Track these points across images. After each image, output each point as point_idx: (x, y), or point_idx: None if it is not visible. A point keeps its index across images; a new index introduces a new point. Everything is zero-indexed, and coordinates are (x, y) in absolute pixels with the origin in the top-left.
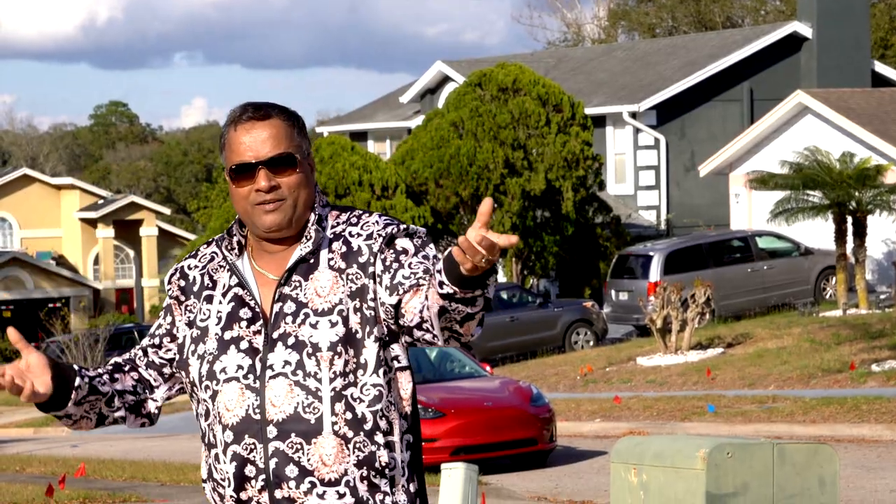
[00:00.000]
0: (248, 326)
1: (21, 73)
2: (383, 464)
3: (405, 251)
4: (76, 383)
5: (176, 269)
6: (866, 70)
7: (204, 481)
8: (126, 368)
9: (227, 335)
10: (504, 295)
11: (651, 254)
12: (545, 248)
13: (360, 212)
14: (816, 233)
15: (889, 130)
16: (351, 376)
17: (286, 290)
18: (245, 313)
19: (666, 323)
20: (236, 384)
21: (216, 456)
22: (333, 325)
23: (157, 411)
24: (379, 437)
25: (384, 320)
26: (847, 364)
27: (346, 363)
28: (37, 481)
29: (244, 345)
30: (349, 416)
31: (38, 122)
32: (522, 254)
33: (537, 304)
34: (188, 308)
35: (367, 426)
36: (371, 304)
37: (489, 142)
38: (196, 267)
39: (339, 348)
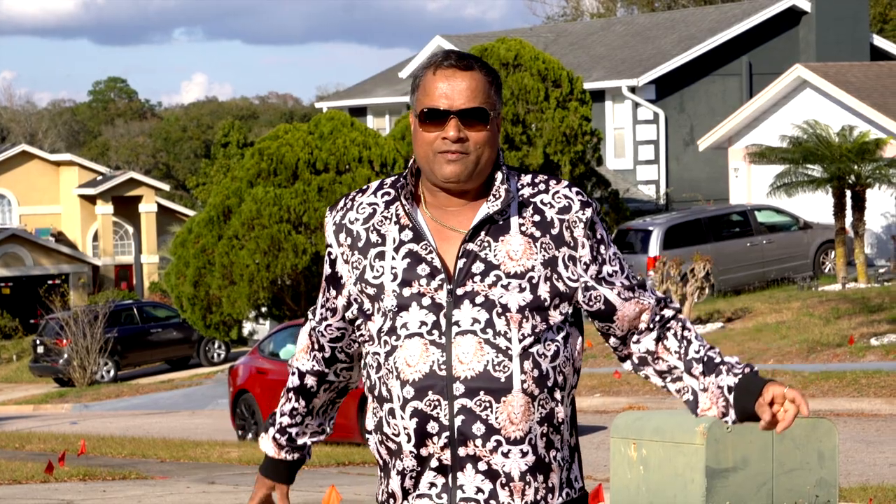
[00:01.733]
0: (427, 283)
1: (21, 49)
2: (560, 419)
3: (602, 240)
4: (295, 459)
5: (340, 227)
6: (865, 44)
7: (369, 433)
8: (314, 389)
9: (407, 292)
10: None
11: (650, 228)
12: None
13: (546, 177)
14: (816, 207)
15: (888, 104)
16: (538, 335)
17: (471, 246)
18: (423, 269)
19: None
20: (419, 340)
21: (390, 411)
22: (523, 290)
23: (356, 383)
24: (557, 394)
25: (583, 302)
26: (846, 338)
27: (534, 326)
28: (36, 458)
29: (426, 301)
30: (536, 373)
31: (37, 98)
32: None
33: None
34: (354, 265)
35: (550, 382)
36: (569, 281)
37: None
38: (357, 220)
39: (527, 312)
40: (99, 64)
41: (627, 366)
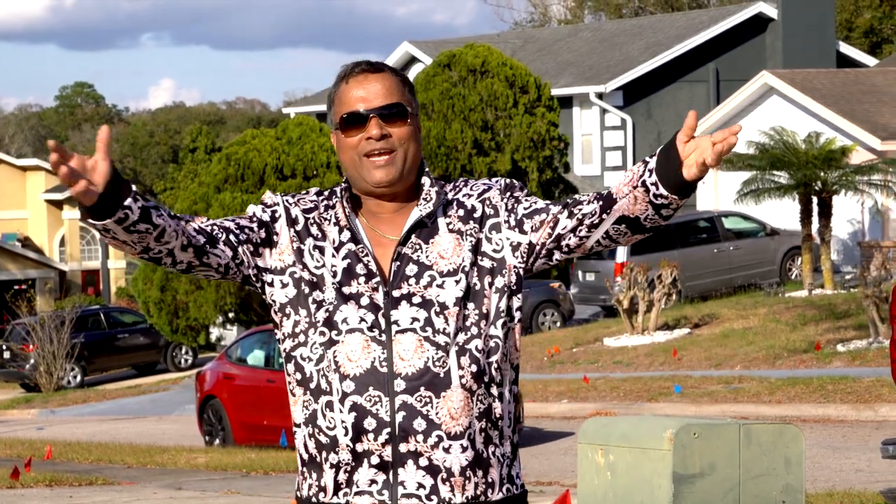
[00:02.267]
0: (366, 282)
1: None
2: (497, 415)
3: (521, 197)
4: (126, 202)
5: (285, 201)
6: (831, 51)
7: (297, 426)
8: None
9: (346, 290)
10: None
11: None
12: None
13: (465, 179)
14: (782, 213)
15: (854, 111)
16: (474, 329)
17: (405, 250)
18: (361, 269)
19: (632, 304)
20: (360, 336)
21: (328, 403)
22: (457, 283)
23: (225, 265)
24: (494, 389)
25: (515, 267)
26: (813, 344)
27: (467, 317)
28: (2, 464)
29: (365, 301)
30: (474, 368)
31: (4, 102)
32: None
33: None
34: (292, 238)
35: (486, 378)
36: (494, 254)
37: (458, 123)
38: (297, 206)
39: (464, 302)
40: (66, 69)
41: (586, 239)
